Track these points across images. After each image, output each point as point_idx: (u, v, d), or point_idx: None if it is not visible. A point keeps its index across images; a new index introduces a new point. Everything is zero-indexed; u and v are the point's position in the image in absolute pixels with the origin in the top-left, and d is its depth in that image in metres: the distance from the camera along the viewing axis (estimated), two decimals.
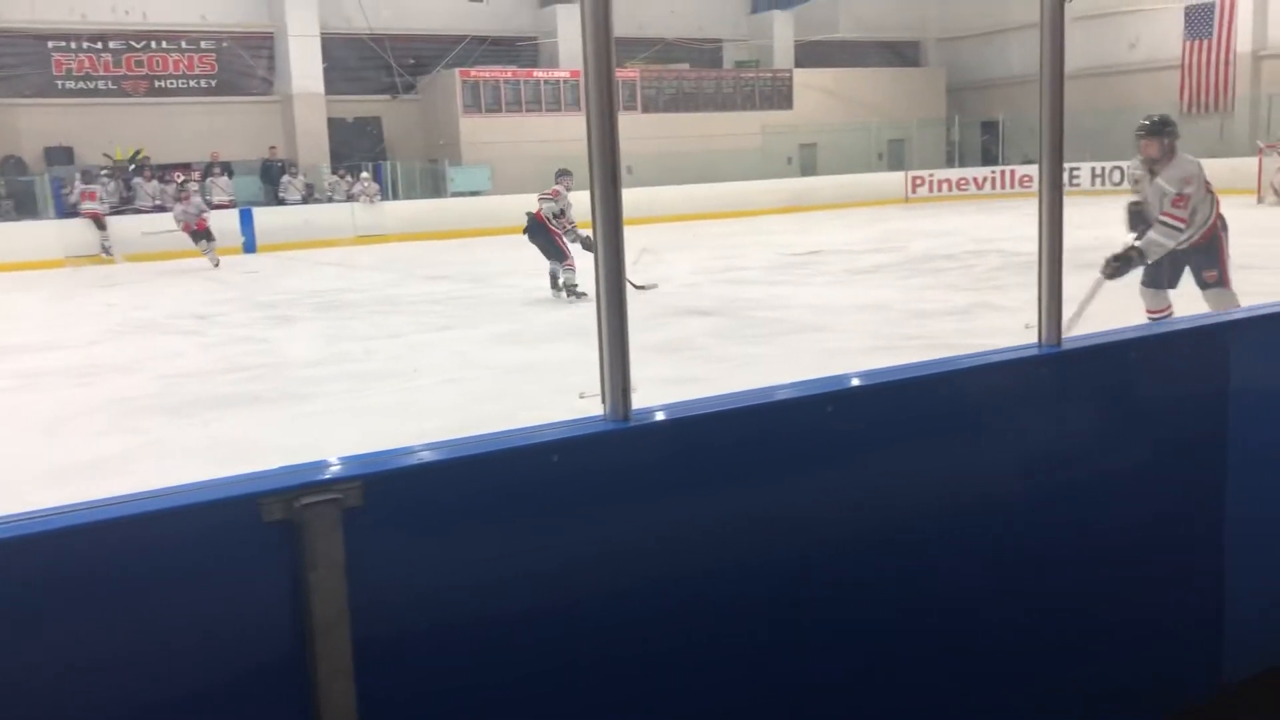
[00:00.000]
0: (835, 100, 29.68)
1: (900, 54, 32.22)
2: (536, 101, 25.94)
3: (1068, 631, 2.54)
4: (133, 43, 23.65)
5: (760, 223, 22.28)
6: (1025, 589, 2.46)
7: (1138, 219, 6.57)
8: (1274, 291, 7.21)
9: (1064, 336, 2.50)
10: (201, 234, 18.25)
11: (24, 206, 21.19)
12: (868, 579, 2.26)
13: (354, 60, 25.61)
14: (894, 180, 27.97)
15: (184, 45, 24.20)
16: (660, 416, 2.07)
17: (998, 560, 2.42)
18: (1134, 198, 6.69)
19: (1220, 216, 6.55)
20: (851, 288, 12.13)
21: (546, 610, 1.90)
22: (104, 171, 21.40)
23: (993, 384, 2.46)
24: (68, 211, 20.06)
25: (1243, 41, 25.55)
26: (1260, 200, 20.34)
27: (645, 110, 27.23)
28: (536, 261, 12.16)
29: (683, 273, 13.75)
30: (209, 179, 22.30)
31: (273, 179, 23.35)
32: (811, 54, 30.25)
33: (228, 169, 22.91)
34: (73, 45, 23.18)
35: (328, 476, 1.70)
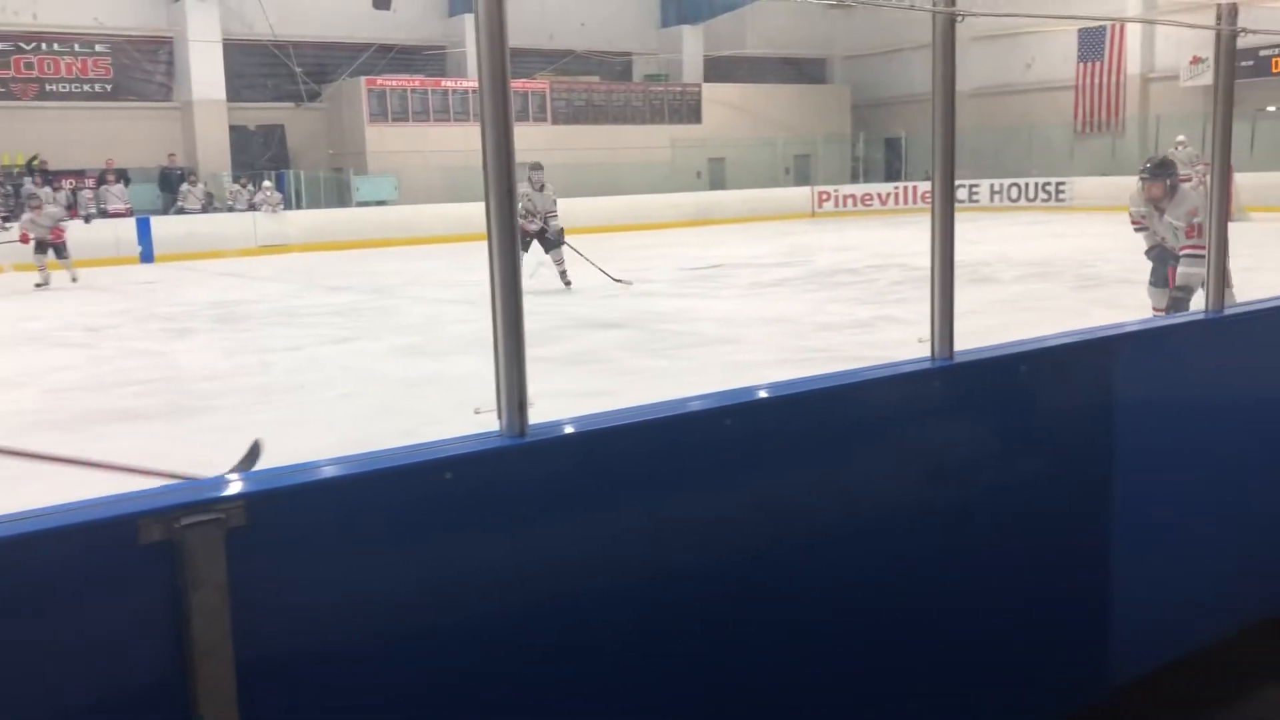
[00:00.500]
0: (743, 115, 30.05)
1: (806, 71, 32.75)
2: (444, 111, 25.73)
3: (959, 637, 2.59)
4: (22, 44, 22.82)
5: (668, 235, 22.41)
6: (919, 595, 2.50)
7: (1160, 258, 7.27)
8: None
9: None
10: (59, 247, 16.49)
11: None
12: (769, 588, 2.27)
13: (256, 67, 25.08)
14: (800, 195, 28.40)
15: (77, 48, 23.43)
16: (559, 431, 2.05)
17: (893, 568, 2.46)
18: (1147, 240, 7.45)
19: None
20: (758, 301, 12.26)
21: (437, 631, 1.87)
22: None
23: (888, 396, 2.50)
24: None
25: (1132, 64, 26.58)
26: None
27: (554, 121, 27.22)
28: (442, 274, 12.06)
29: (590, 285, 13.75)
30: (103, 186, 21.63)
31: (171, 187, 22.73)
32: (720, 69, 30.58)
33: (124, 176, 22.24)
34: None
35: (210, 496, 1.64)
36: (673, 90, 29.51)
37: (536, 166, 13.49)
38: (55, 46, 23.21)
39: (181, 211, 21.98)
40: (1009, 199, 26.52)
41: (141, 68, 24.20)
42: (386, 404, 7.39)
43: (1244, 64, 21.29)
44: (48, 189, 20.87)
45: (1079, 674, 2.88)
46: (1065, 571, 2.80)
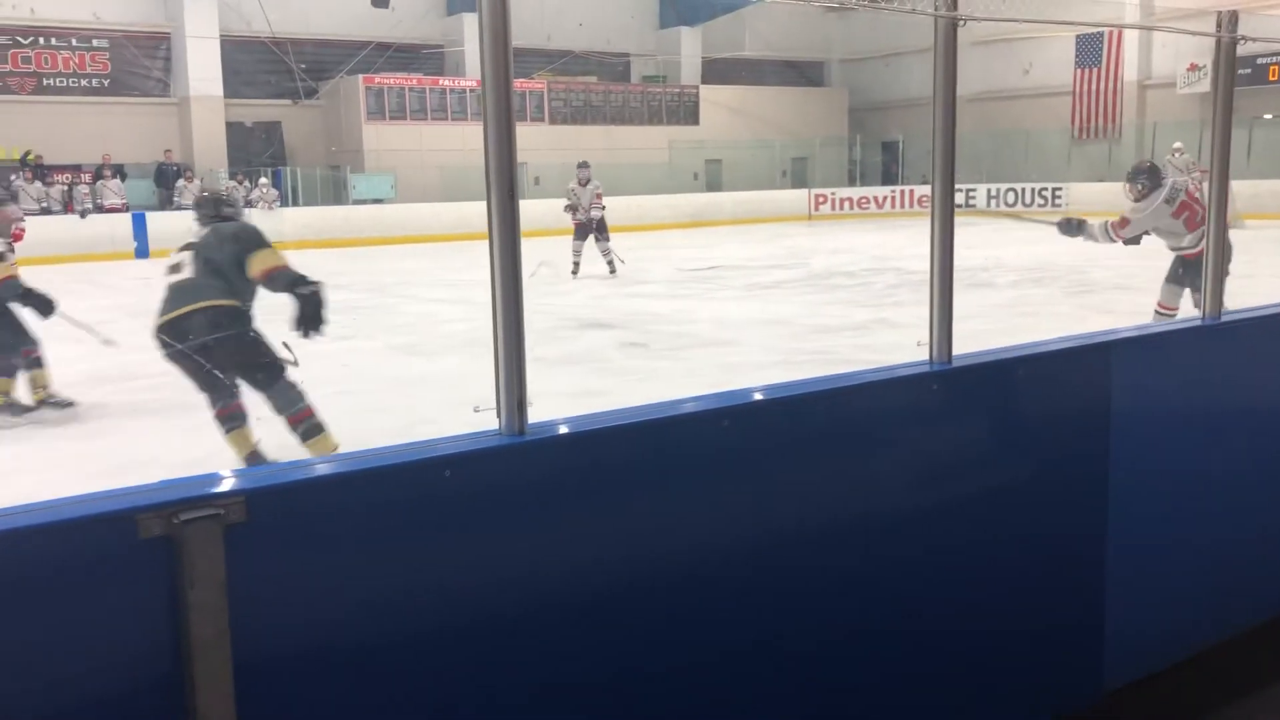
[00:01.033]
0: (740, 117, 30.06)
1: (804, 73, 32.77)
2: (442, 110, 25.72)
3: (954, 639, 2.60)
4: (19, 38, 22.77)
5: (664, 237, 22.39)
6: (914, 598, 2.51)
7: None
8: (1150, 312, 7.55)
9: None
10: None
11: None
12: (764, 590, 2.27)
13: (254, 63, 25.02)
14: (797, 198, 28.41)
15: (74, 43, 23.39)
16: (557, 430, 2.05)
17: (888, 570, 2.46)
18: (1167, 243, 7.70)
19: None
20: (754, 303, 12.26)
21: (434, 630, 1.87)
22: None
23: (886, 399, 2.51)
24: None
25: (1130, 70, 26.63)
26: None
27: (552, 121, 27.21)
28: (438, 273, 12.06)
29: (586, 285, 13.75)
30: (100, 182, 21.57)
31: (167, 183, 22.69)
32: (718, 71, 30.59)
33: (120, 171, 22.19)
34: None
35: (209, 491, 1.64)
36: (670, 91, 29.52)
37: (583, 165, 14.97)
38: (53, 41, 23.17)
39: (177, 207, 21.93)
40: (1005, 204, 26.55)
41: (139, 63, 24.15)
42: (380, 402, 7.38)
43: (1242, 71, 21.34)
44: (38, 184, 20.82)
45: (1073, 677, 2.89)
46: (1060, 575, 2.81)
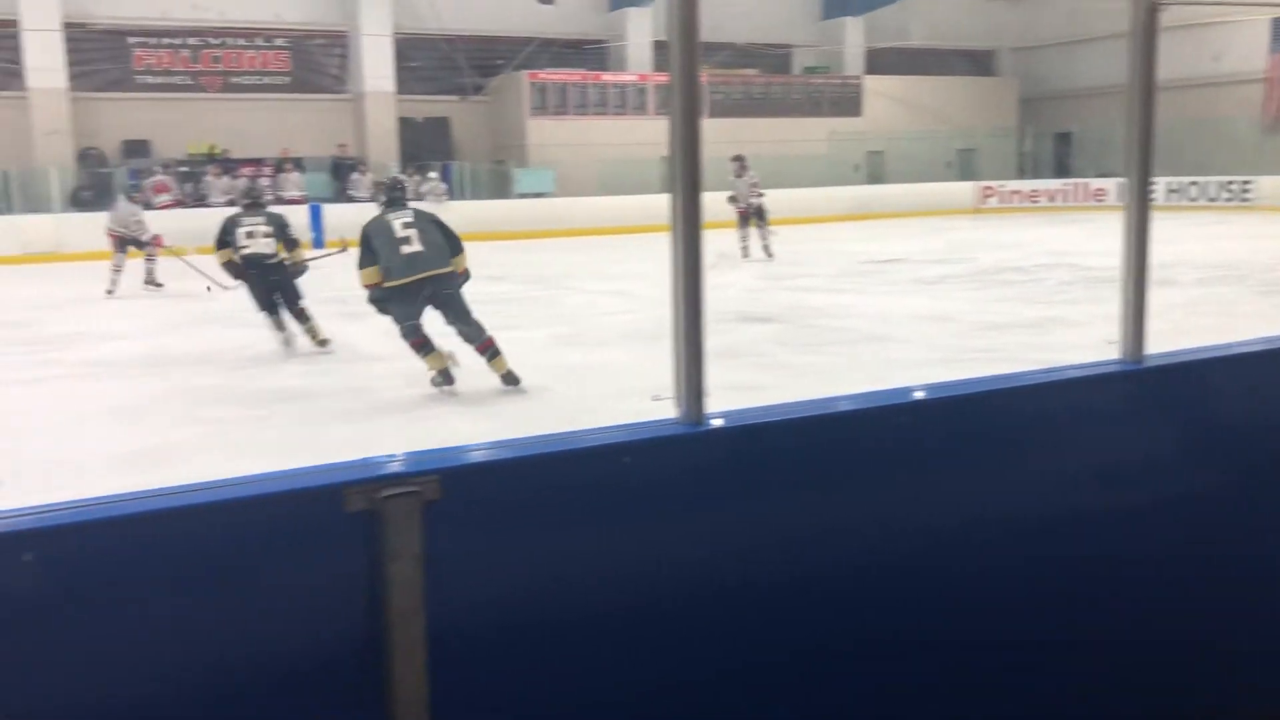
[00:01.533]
0: (904, 108, 29.41)
1: (974, 62, 31.83)
2: (603, 104, 26.01)
3: (1144, 649, 2.49)
4: (210, 39, 24.14)
5: (825, 229, 22.12)
6: (1101, 606, 2.42)
7: None
8: None
9: None
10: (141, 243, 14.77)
11: (102, 198, 21.70)
12: (937, 592, 2.23)
13: (425, 60, 25.88)
14: (963, 190, 27.65)
15: (259, 42, 24.66)
16: (732, 422, 2.07)
17: (1061, 574, 2.38)
18: None
19: None
20: (917, 298, 12.00)
21: (615, 610, 1.91)
22: (182, 167, 21.86)
23: (1072, 399, 2.42)
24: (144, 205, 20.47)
25: None
26: None
27: (713, 115, 27.18)
28: (597, 266, 12.24)
29: (745, 278, 13.70)
30: (280, 174, 22.66)
31: (342, 176, 23.67)
32: (881, 61, 30.00)
33: (299, 165, 23.26)
34: (152, 41, 23.72)
35: (407, 469, 1.72)
36: (832, 83, 29.10)
37: (736, 158, 16.06)
38: (240, 41, 24.48)
39: (351, 200, 22.87)
40: (1188, 198, 25.21)
41: (317, 61, 25.28)
42: (543, 391, 7.55)
43: None
44: (226, 178, 21.99)
45: (1260, 703, 2.74)
46: (1258, 587, 2.67)
